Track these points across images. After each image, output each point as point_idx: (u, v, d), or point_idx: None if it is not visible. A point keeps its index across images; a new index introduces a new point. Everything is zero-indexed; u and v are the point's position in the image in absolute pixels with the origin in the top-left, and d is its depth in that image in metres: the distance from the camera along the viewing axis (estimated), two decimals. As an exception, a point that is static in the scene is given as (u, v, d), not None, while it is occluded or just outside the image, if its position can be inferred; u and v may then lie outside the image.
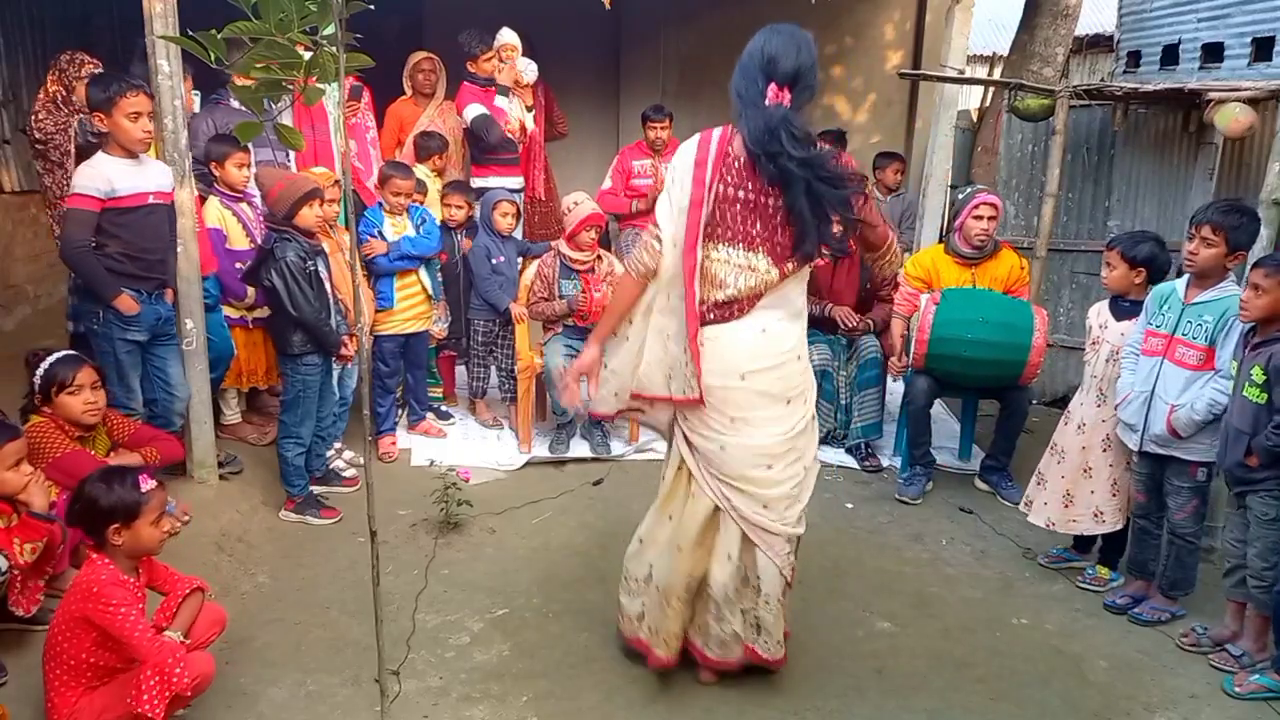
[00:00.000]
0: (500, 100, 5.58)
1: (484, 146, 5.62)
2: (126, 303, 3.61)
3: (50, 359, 3.31)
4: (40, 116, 4.43)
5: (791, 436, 2.74)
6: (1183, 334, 3.26)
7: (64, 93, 4.42)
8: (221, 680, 2.71)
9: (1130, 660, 3.21)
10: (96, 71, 4.32)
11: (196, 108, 4.66)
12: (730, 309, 2.66)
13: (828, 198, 2.57)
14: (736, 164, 2.61)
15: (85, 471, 2.78)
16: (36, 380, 3.29)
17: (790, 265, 2.64)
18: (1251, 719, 2.90)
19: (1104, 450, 3.64)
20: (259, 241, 4.30)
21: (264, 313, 4.28)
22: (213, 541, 3.71)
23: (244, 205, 4.43)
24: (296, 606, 3.35)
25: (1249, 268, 3.11)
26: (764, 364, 2.69)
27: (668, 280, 2.72)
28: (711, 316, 2.66)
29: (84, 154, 4.00)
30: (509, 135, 5.63)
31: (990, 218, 4.42)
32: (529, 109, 5.82)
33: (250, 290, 4.28)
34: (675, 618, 2.87)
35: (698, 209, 2.62)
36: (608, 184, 6.13)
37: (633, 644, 3.02)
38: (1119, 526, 3.65)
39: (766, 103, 2.58)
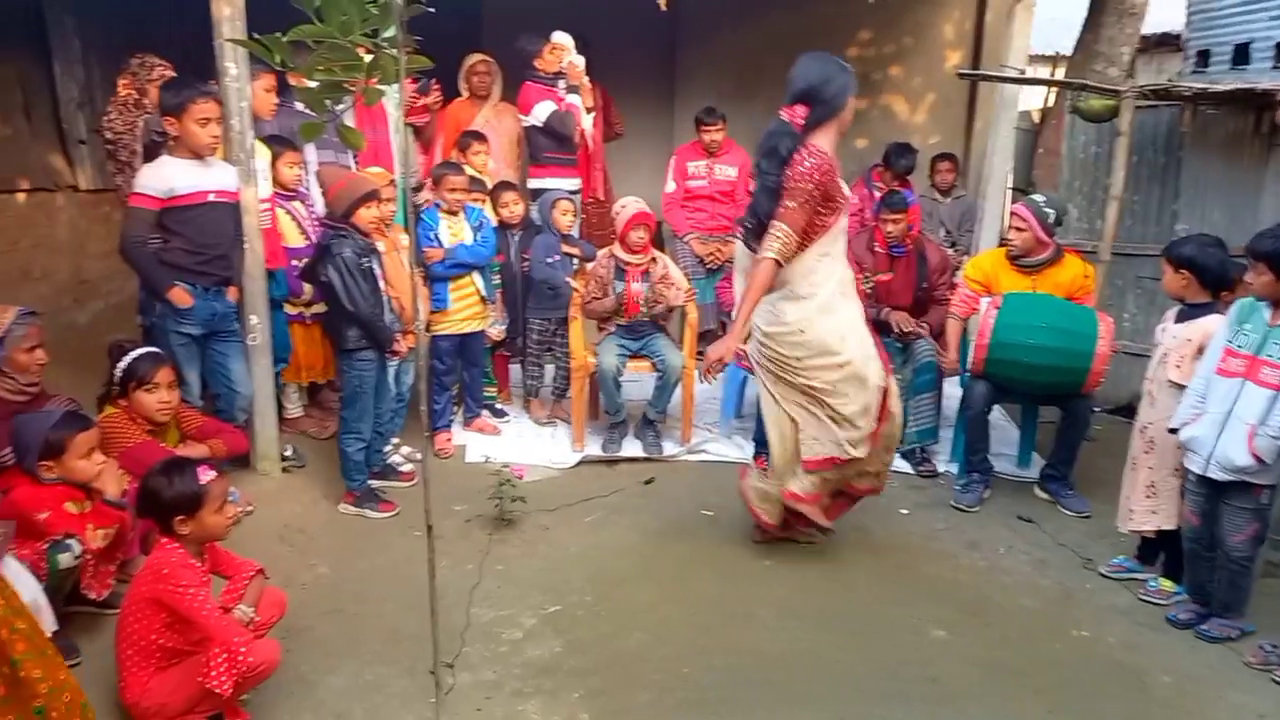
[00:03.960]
0: (573, 97, 5.63)
1: (546, 146, 5.66)
2: (179, 296, 3.72)
3: (133, 355, 3.42)
4: (112, 117, 4.57)
5: None
6: (1269, 355, 3.13)
7: (136, 95, 4.55)
8: (282, 667, 2.76)
9: (1195, 676, 3.13)
10: (168, 75, 4.45)
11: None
12: None
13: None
14: None
15: (155, 461, 2.87)
16: (117, 373, 3.41)
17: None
18: (1323, 739, 2.81)
19: (1146, 452, 3.58)
20: (313, 239, 4.39)
21: (321, 309, 4.37)
22: (275, 532, 3.80)
23: (296, 204, 4.53)
24: (354, 598, 3.41)
25: None
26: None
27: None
28: None
29: (150, 153, 4.12)
30: (583, 131, 5.69)
31: (1017, 229, 4.36)
32: (589, 110, 5.86)
33: (307, 287, 4.37)
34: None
35: None
36: (671, 187, 6.15)
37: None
38: (1146, 528, 3.60)
39: (784, 117, 3.36)
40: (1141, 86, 5.10)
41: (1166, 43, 10.19)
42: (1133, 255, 5.59)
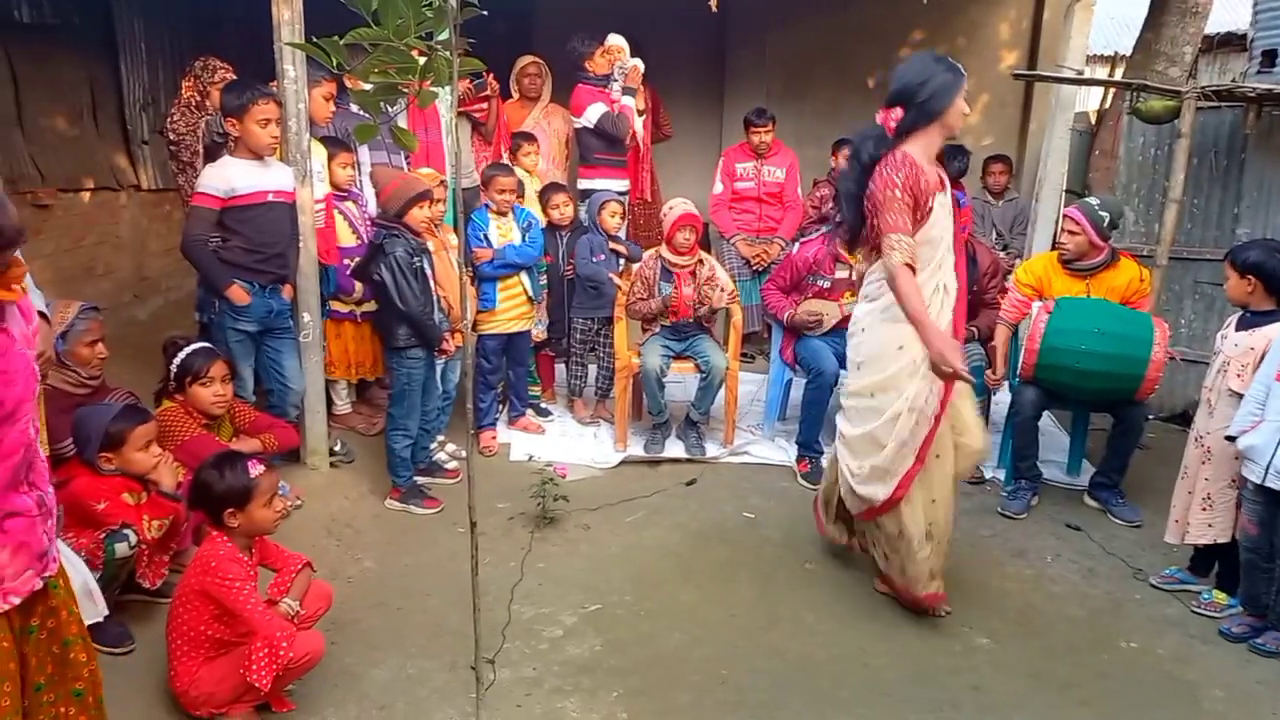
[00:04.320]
0: (627, 99, 5.66)
1: (597, 148, 5.70)
2: (237, 293, 3.81)
3: (187, 350, 3.51)
4: (174, 118, 4.71)
5: None
6: None
7: (198, 97, 4.68)
8: (328, 659, 2.82)
9: (1249, 691, 3.04)
10: (229, 77, 4.56)
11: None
12: None
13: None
14: None
15: (210, 454, 2.94)
16: (172, 368, 3.50)
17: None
18: (1384, 761, 2.72)
19: (1203, 462, 3.49)
20: (365, 239, 4.47)
21: (371, 307, 4.45)
22: (322, 526, 3.88)
23: (349, 204, 4.61)
24: (399, 592, 3.47)
25: None
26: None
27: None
28: None
29: (210, 153, 4.23)
30: (634, 133, 5.72)
31: (1070, 232, 4.26)
32: (640, 113, 5.88)
33: (358, 285, 4.45)
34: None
35: None
36: (719, 188, 6.14)
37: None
38: (1201, 542, 3.52)
39: (878, 120, 3.21)
40: (1204, 87, 4.97)
41: (1231, 42, 9.92)
42: (1191, 259, 5.45)
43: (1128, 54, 7.91)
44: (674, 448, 4.85)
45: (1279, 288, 3.38)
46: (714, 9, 5.08)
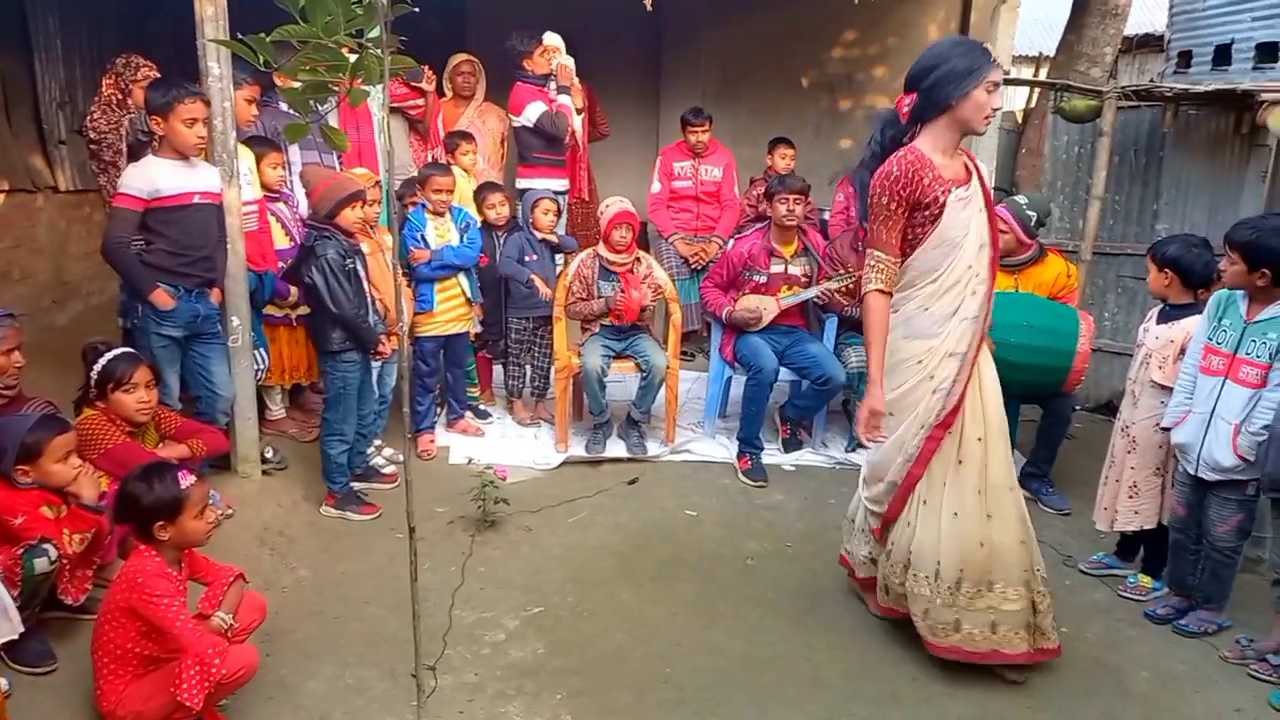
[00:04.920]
0: (564, 98, 5.63)
1: (535, 147, 5.67)
2: (161, 297, 3.70)
3: (109, 355, 3.39)
4: (95, 117, 4.55)
5: None
6: (1245, 353, 3.14)
7: (119, 95, 4.53)
8: (262, 671, 2.75)
9: (1173, 673, 3.15)
10: (153, 74, 4.43)
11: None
12: None
13: None
14: None
15: (136, 462, 2.86)
16: (93, 375, 3.38)
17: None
18: (1299, 735, 2.84)
19: (1129, 452, 3.60)
20: (298, 240, 4.37)
21: (306, 310, 4.36)
22: (255, 535, 3.78)
23: (281, 205, 4.51)
24: (336, 600, 3.40)
25: None
26: None
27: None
28: None
29: (135, 153, 4.10)
30: (573, 131, 5.70)
31: (999, 230, 4.35)
32: (579, 112, 5.86)
33: (293, 289, 4.36)
34: None
35: None
36: (656, 187, 6.15)
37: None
38: (1129, 528, 3.63)
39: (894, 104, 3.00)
40: (1124, 87, 5.14)
41: (1149, 43, 10.27)
42: (1114, 255, 5.62)
43: (1052, 54, 8.13)
44: (615, 447, 4.85)
45: (1195, 282, 3.50)
46: (649, 8, 5.08)
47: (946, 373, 2.94)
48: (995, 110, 2.84)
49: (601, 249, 4.81)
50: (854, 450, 4.90)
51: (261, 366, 4.32)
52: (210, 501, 2.77)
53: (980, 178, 3.00)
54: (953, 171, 2.92)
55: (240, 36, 2.06)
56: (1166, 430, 3.40)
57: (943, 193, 2.86)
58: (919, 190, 2.86)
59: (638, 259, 4.87)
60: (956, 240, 2.90)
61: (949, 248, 2.90)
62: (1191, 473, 3.30)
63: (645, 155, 7.15)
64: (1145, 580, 3.63)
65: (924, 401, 2.96)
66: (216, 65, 3.82)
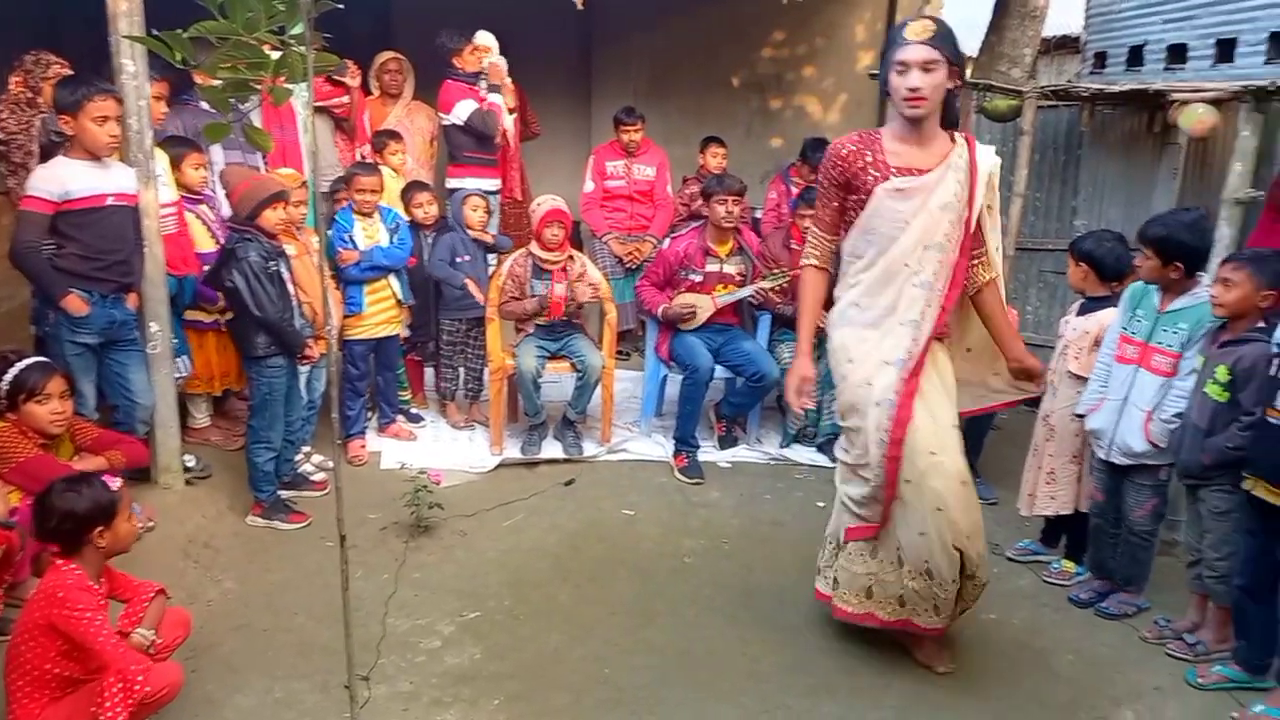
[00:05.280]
0: (495, 96, 5.58)
1: (466, 146, 5.61)
2: (74, 303, 3.57)
3: (20, 365, 3.25)
4: (3, 117, 4.35)
5: None
6: (1158, 342, 3.26)
7: (29, 94, 4.34)
8: (187, 688, 2.66)
9: (1097, 654, 3.25)
10: (64, 72, 4.26)
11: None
12: None
13: None
14: None
15: (50, 476, 2.74)
16: (3, 385, 3.24)
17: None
18: (1213, 709, 2.94)
19: (1047, 439, 3.71)
20: (223, 242, 4.26)
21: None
22: (178, 548, 3.67)
23: (203, 207, 4.39)
24: (264, 612, 3.32)
25: (1218, 264, 3.16)
26: None
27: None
28: None
29: (48, 154, 3.95)
30: (504, 130, 5.66)
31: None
32: (510, 111, 5.82)
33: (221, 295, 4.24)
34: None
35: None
36: (589, 187, 6.13)
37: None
38: (1047, 513, 3.74)
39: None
40: (1043, 87, 5.28)
41: (1066, 45, 10.57)
42: (1035, 250, 5.78)
43: (974, 55, 8.32)
44: (551, 448, 4.82)
45: (1110, 275, 3.62)
46: (581, 7, 5.07)
47: (886, 382, 2.83)
48: (912, 92, 2.69)
49: (534, 248, 4.78)
50: (788, 446, 4.95)
51: (183, 373, 4.20)
52: (131, 511, 2.68)
53: (969, 177, 2.83)
54: (910, 160, 2.81)
55: (155, 33, 2.00)
56: (1081, 417, 3.51)
57: (874, 179, 2.80)
58: (850, 172, 2.84)
59: (571, 258, 4.85)
60: (882, 231, 2.81)
61: (875, 237, 2.83)
62: (1104, 458, 3.41)
63: (577, 154, 7.12)
64: (1068, 565, 3.74)
65: (870, 415, 2.86)
66: (131, 63, 3.70)
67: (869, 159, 2.82)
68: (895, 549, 2.97)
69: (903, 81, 2.71)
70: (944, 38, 2.75)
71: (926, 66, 2.70)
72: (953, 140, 2.87)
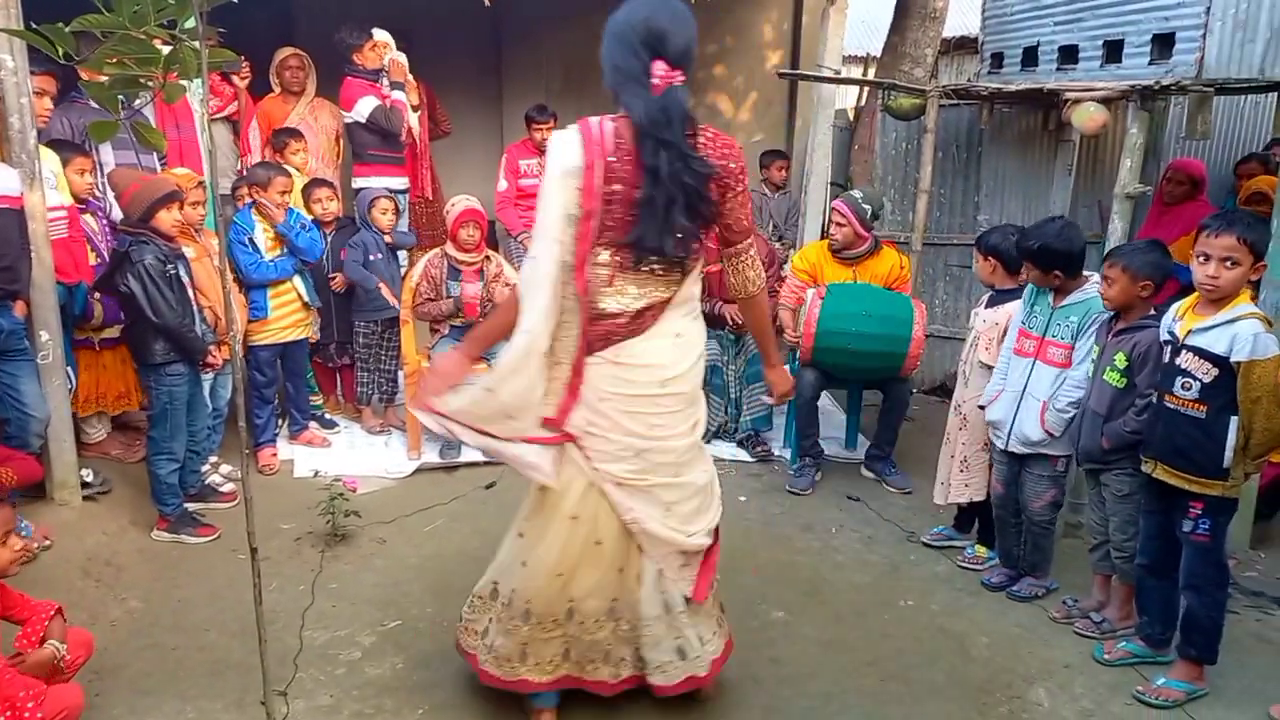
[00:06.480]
0: (398, 93, 5.47)
1: (371, 144, 5.49)
2: None
3: None
4: None
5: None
6: (1053, 335, 3.40)
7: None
8: (91, 713, 2.55)
9: (1010, 635, 3.35)
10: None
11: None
12: (643, 318, 2.42)
13: (692, 192, 2.33)
14: (628, 156, 2.33)
15: (-72, 498, 2.57)
16: None
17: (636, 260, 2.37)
18: (1119, 683, 3.07)
19: (960, 429, 3.82)
20: (105, 256, 4.06)
21: (113, 333, 4.06)
22: (78, 566, 3.49)
23: (88, 217, 4.17)
24: (172, 630, 3.18)
25: (1102, 260, 3.30)
26: (681, 369, 2.47)
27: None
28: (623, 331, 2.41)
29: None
30: (410, 128, 5.55)
31: (838, 224, 4.55)
32: (414, 108, 5.71)
33: (98, 310, 4.03)
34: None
35: (589, 220, 2.33)
36: (503, 185, 6.05)
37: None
38: (960, 500, 3.86)
39: (655, 81, 2.34)
40: (944, 86, 5.43)
41: (965, 45, 10.94)
42: (941, 245, 5.95)
43: (879, 55, 8.53)
44: (471, 451, 4.71)
45: (1016, 267, 3.74)
46: (488, 4, 5.00)
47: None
48: None
49: (449, 248, 4.70)
50: (709, 442, 4.95)
51: (71, 385, 3.98)
52: (17, 529, 2.53)
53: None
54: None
55: (35, 26, 1.89)
56: (984, 408, 3.62)
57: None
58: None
59: (488, 258, 4.79)
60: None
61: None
62: (1002, 448, 3.53)
63: (490, 153, 7.05)
64: (981, 550, 3.85)
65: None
66: (10, 58, 3.51)
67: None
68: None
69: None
70: None
71: None
72: None
